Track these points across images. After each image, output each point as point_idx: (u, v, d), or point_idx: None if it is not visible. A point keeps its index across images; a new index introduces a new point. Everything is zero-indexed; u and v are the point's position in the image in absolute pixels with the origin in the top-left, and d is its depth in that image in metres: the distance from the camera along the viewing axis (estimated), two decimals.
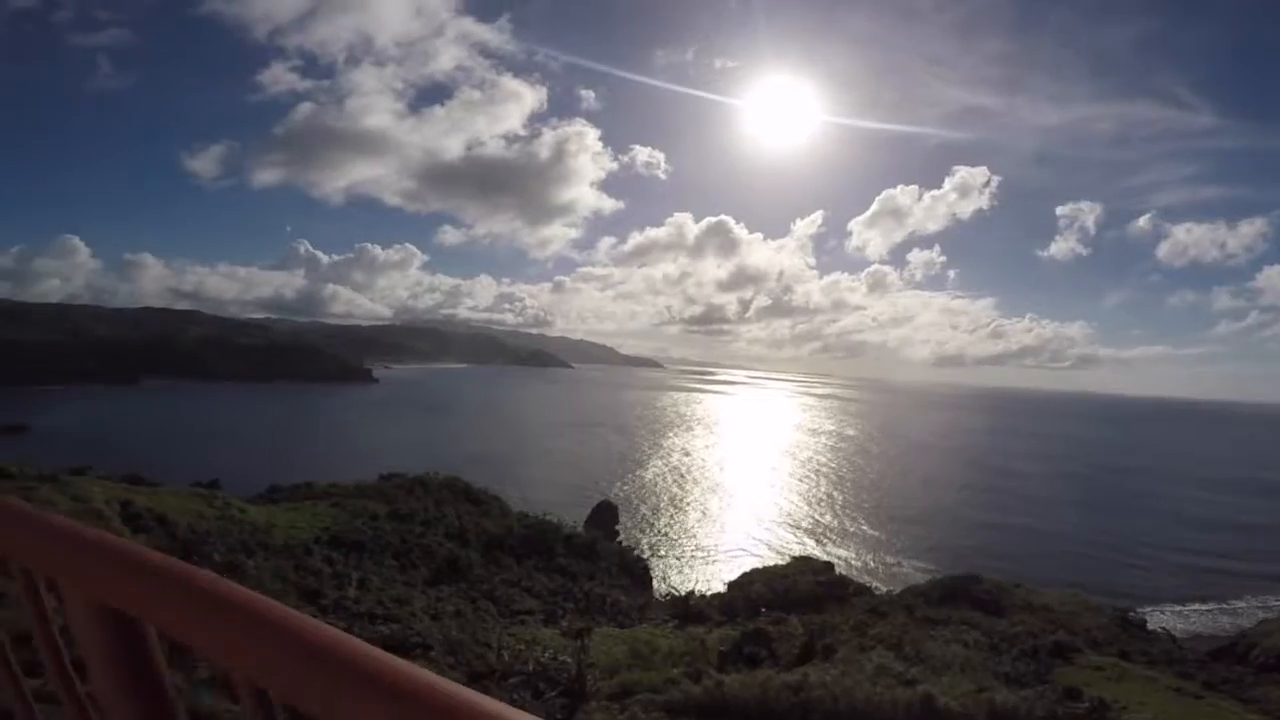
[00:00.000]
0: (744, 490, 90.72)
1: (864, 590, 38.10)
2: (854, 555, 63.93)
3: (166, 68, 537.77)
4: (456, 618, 27.72)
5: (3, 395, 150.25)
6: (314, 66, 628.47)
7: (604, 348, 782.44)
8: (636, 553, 49.43)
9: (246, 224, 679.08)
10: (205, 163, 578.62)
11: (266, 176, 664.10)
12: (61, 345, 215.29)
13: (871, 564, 61.73)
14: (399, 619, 25.93)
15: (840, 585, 37.70)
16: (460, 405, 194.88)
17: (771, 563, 47.42)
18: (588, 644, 21.50)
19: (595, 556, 42.84)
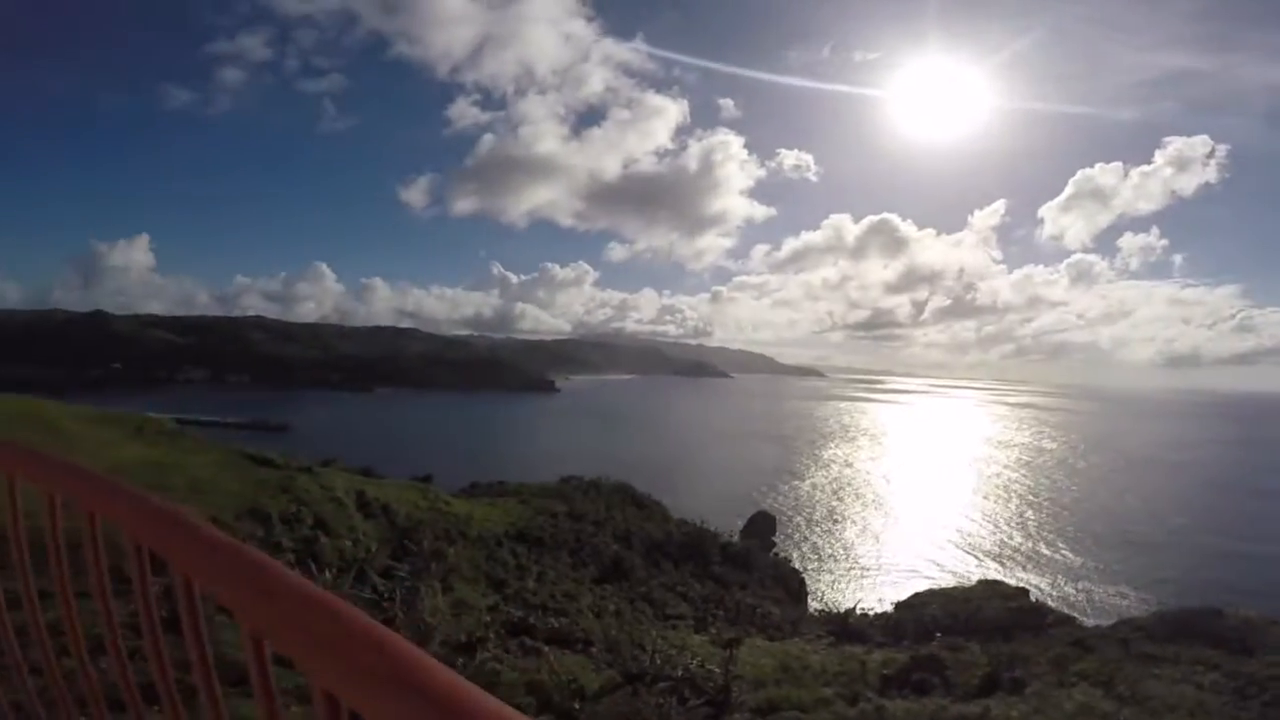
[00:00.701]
0: (914, 507, 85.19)
1: (1066, 620, 33.70)
2: (1050, 582, 57.42)
3: (376, 108, 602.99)
4: (616, 617, 28.98)
5: (274, 399, 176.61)
6: (490, 99, 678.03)
7: (762, 357, 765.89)
8: (792, 565, 48.52)
9: (450, 249, 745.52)
10: (415, 194, 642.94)
11: (463, 205, 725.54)
12: (316, 359, 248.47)
13: (1073, 593, 55.09)
14: (567, 613, 27.53)
15: (1035, 613, 33.85)
16: (628, 414, 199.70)
17: (945, 585, 44.53)
18: (736, 655, 21.54)
19: (749, 566, 42.68)
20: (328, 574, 21.32)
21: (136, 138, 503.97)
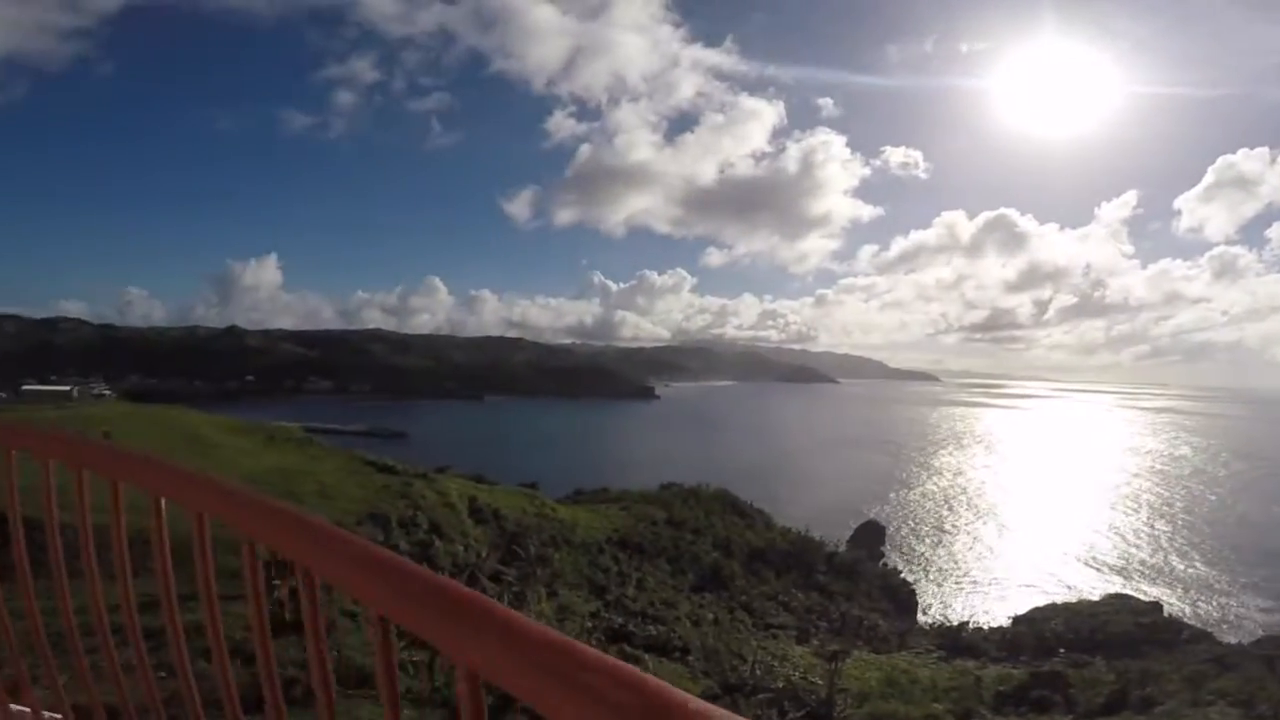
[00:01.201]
0: (1031, 517, 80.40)
1: (1202, 637, 31.78)
2: (1184, 597, 53.29)
3: (479, 124, 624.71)
4: (714, 625, 28.92)
5: (392, 407, 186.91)
6: (585, 110, 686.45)
7: (871, 361, 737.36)
8: (902, 576, 46.82)
9: (553, 259, 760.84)
10: (518, 206, 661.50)
11: (564, 215, 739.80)
12: (430, 369, 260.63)
13: (1210, 609, 50.88)
14: (665, 621, 27.75)
15: (1168, 629, 32.14)
16: (729, 421, 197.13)
17: (1065, 600, 41.55)
18: (841, 667, 20.97)
19: (856, 577, 41.49)
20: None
21: (261, 162, 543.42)
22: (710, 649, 23.55)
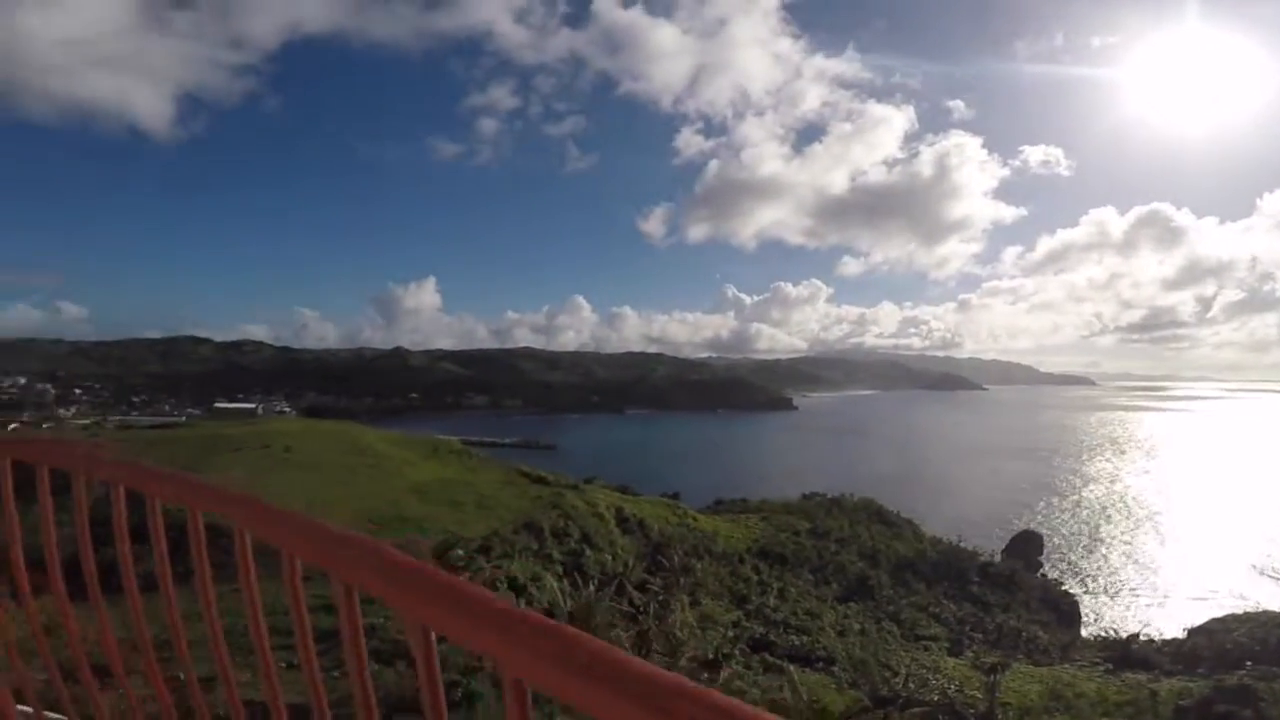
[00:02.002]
0: (1200, 526, 73.13)
1: None
2: None
3: (612, 145, 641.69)
4: (860, 636, 28.39)
5: (541, 421, 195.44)
6: (711, 126, 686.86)
7: (1021, 366, 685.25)
8: (1064, 587, 43.62)
9: (688, 274, 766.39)
10: (653, 224, 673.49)
11: (696, 231, 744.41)
12: (576, 384, 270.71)
13: None
14: (809, 631, 27.56)
15: None
16: (871, 429, 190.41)
17: (1242, 611, 37.65)
18: (1000, 680, 20.24)
19: (1013, 588, 39.27)
20: (590, 586, 23.69)
21: (417, 189, 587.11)
22: (857, 660, 23.23)
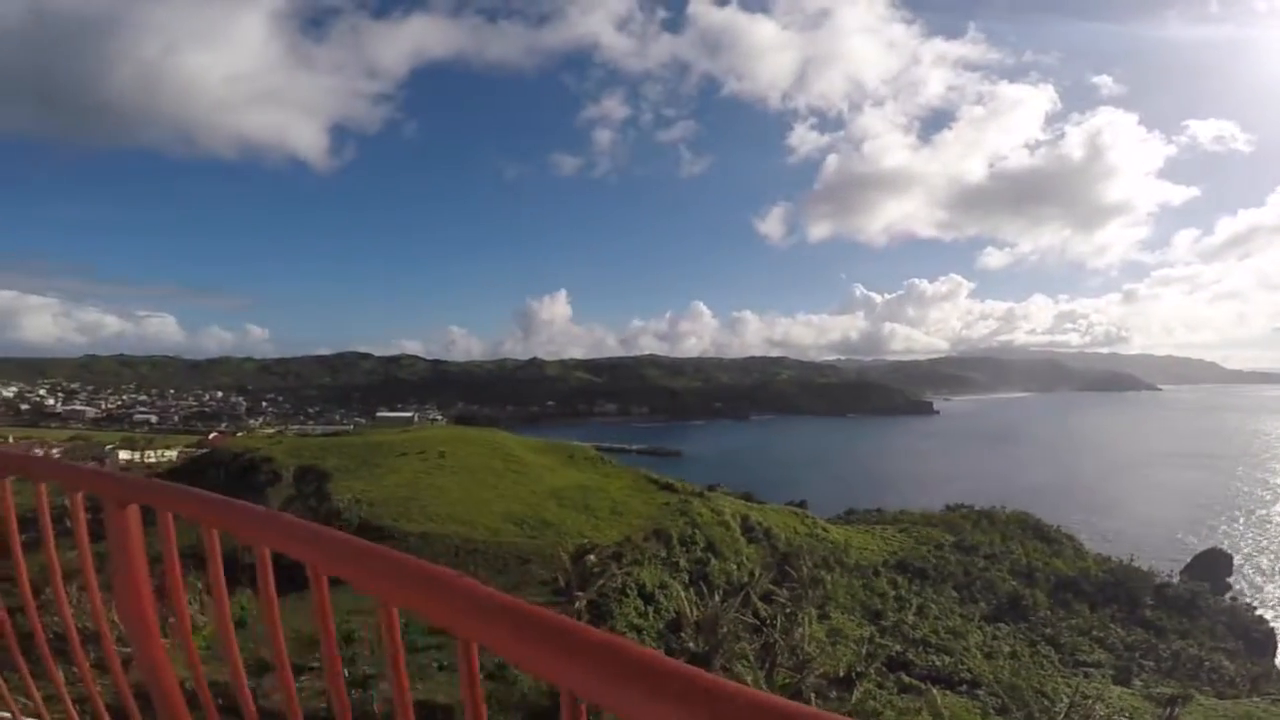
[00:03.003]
0: None
1: None
2: None
3: (723, 147, 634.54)
4: (1011, 659, 26.42)
5: (667, 428, 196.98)
6: (826, 121, 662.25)
7: (1200, 363, 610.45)
8: (1258, 613, 38.55)
9: (811, 275, 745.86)
10: (771, 225, 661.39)
11: (818, 229, 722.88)
12: (700, 390, 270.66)
13: None
14: (951, 651, 25.94)
15: None
16: (1023, 436, 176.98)
17: None
18: (1180, 713, 18.38)
19: (1194, 612, 35.23)
20: (716, 596, 23.56)
21: (543, 204, 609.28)
22: (1007, 685, 21.62)
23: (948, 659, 24.54)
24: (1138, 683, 23.70)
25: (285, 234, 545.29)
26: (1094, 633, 32.50)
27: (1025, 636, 30.76)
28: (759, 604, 27.54)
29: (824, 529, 50.60)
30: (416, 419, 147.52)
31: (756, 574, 33.32)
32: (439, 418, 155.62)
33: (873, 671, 20.23)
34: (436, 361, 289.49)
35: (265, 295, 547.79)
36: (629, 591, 29.56)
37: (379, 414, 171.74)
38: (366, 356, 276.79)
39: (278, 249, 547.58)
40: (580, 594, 27.73)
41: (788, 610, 25.91)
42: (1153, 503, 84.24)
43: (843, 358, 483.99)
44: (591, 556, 29.73)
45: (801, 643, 19.16)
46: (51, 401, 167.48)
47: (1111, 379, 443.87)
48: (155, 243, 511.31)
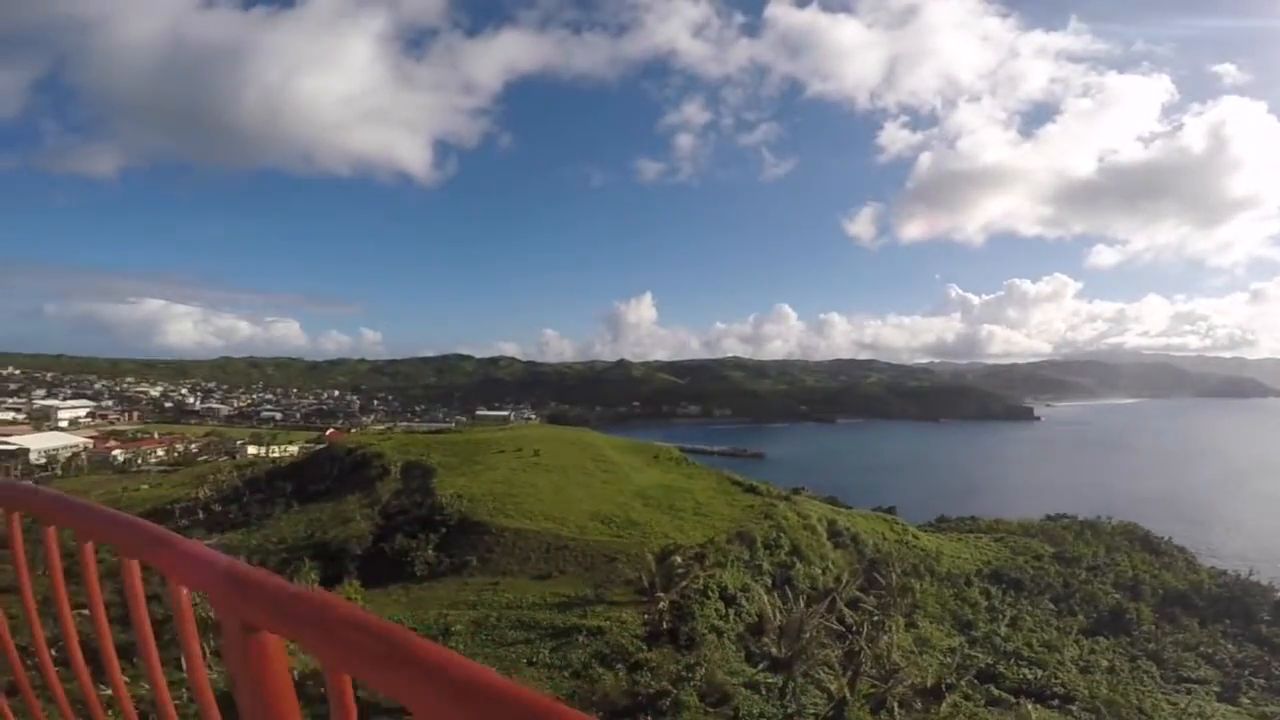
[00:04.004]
0: None
1: None
2: None
3: (808, 148, 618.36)
4: (1109, 674, 25.00)
5: (749, 430, 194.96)
6: (918, 118, 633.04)
7: None
8: None
9: (903, 276, 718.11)
10: (861, 225, 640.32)
11: (910, 229, 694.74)
12: (784, 392, 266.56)
13: None
14: (1044, 664, 24.78)
15: None
16: (1134, 444, 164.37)
17: None
18: None
19: None
20: (800, 601, 23.33)
21: (629, 210, 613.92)
22: (1104, 699, 20.53)
23: (1040, 672, 23.43)
24: (1246, 700, 22.02)
25: (395, 244, 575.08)
26: (1201, 648, 30.38)
27: (1125, 651, 29.05)
28: (845, 610, 27.07)
29: (914, 536, 49.14)
30: (512, 418, 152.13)
31: (843, 580, 32.74)
32: (532, 417, 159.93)
33: (963, 683, 19.56)
34: (531, 363, 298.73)
35: (378, 301, 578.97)
36: (710, 593, 29.68)
37: (478, 413, 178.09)
38: (467, 358, 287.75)
39: (389, 258, 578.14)
40: (663, 594, 28.04)
41: (874, 618, 25.39)
42: (1275, 516, 76.99)
43: (936, 361, 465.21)
44: (677, 557, 29.99)
45: (888, 651, 18.75)
46: (191, 400, 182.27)
47: (1234, 384, 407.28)
48: (281, 255, 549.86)
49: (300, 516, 44.07)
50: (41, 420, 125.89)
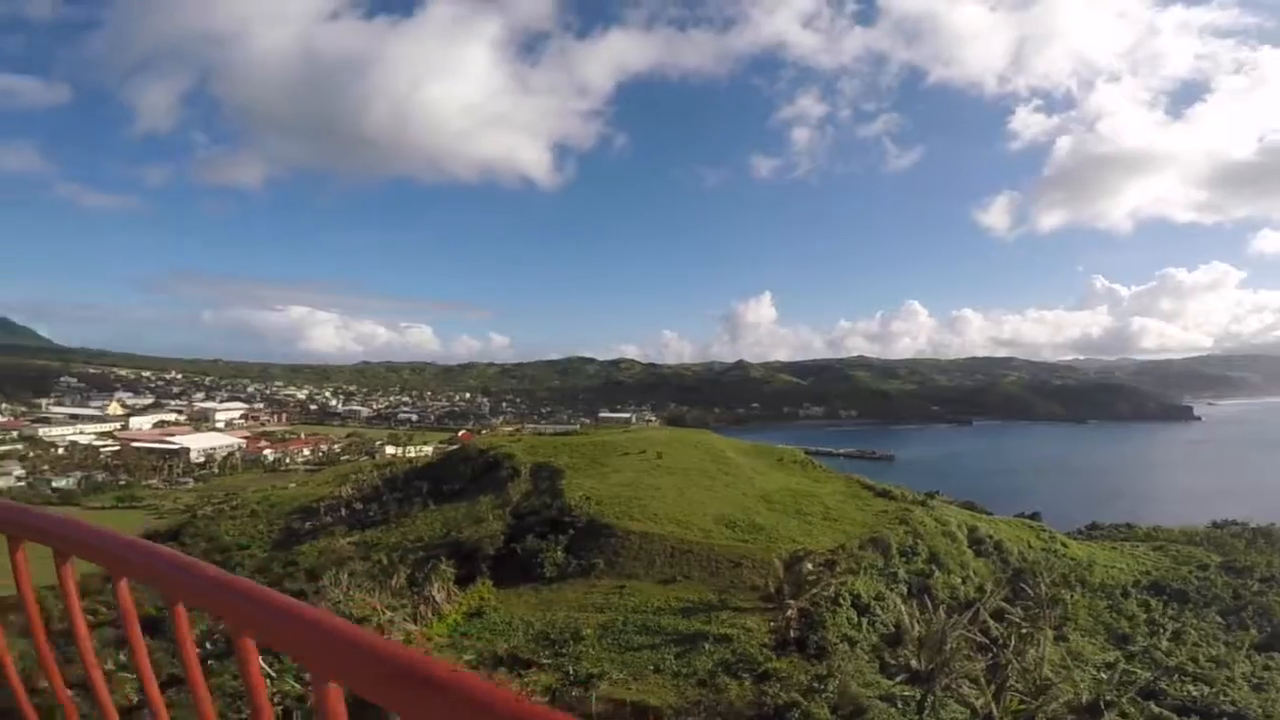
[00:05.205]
0: None
1: None
2: None
3: (933, 137, 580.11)
4: None
5: (878, 432, 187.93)
6: (1052, 101, 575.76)
7: None
8: None
9: (1042, 268, 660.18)
10: (994, 216, 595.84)
11: (1050, 218, 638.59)
12: (913, 393, 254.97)
13: None
14: (1211, 681, 22.90)
15: None
16: None
17: None
18: None
19: None
20: (940, 610, 22.63)
21: (745, 208, 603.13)
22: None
23: (1207, 689, 21.67)
24: None
25: (520, 248, 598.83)
26: None
27: None
28: (989, 621, 26.01)
29: (1062, 544, 46.56)
30: (634, 420, 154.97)
31: (987, 589, 31.46)
32: (653, 419, 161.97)
33: (1123, 701, 18.40)
34: (651, 364, 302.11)
35: (505, 305, 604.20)
36: (842, 600, 29.33)
37: (600, 414, 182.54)
38: (590, 360, 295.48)
39: (514, 262, 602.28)
40: (792, 602, 27.90)
41: (1022, 630, 24.26)
42: None
43: (1081, 357, 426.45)
44: (806, 563, 29.80)
45: (1037, 666, 17.93)
46: (334, 402, 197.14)
47: None
48: (414, 261, 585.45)
49: (436, 515, 47.42)
50: (201, 421, 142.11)
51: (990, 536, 42.77)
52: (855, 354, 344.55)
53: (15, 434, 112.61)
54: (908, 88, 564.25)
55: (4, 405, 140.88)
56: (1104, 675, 20.58)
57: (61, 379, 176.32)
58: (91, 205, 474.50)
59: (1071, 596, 33.89)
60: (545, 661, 25.23)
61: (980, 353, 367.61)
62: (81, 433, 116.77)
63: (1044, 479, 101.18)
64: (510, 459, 54.34)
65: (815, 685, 22.00)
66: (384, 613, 27.42)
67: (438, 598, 30.83)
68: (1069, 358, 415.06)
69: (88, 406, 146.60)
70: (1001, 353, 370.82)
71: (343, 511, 53.43)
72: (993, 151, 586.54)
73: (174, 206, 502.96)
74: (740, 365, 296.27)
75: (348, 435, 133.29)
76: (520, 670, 24.68)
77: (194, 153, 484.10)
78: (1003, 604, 29.79)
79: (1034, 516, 56.28)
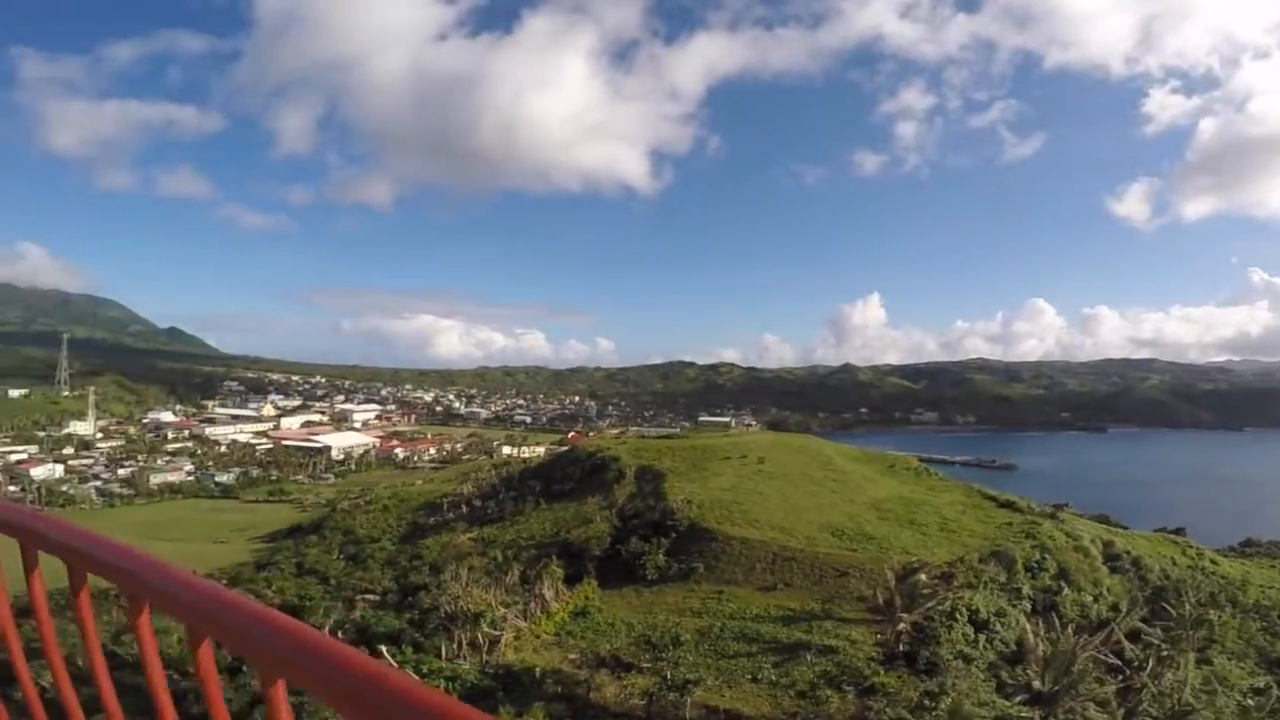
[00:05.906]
0: None
1: None
2: None
3: (1056, 124, 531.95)
4: None
5: (995, 438, 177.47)
6: (1191, 81, 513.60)
7: None
8: None
9: (1187, 261, 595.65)
10: (1130, 204, 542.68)
11: (1196, 207, 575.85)
12: (1039, 398, 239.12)
13: None
14: None
15: None
16: None
17: None
18: None
19: None
20: (1069, 629, 21.31)
21: (849, 206, 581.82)
22: None
23: None
24: None
25: (623, 254, 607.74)
26: None
27: None
28: (1124, 642, 24.28)
29: (1211, 561, 42.88)
30: (734, 424, 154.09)
31: (1122, 608, 29.35)
32: (753, 423, 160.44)
33: None
34: (751, 369, 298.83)
35: (611, 310, 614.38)
36: (959, 616, 28.13)
37: (701, 418, 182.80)
38: (690, 365, 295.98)
39: (618, 268, 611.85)
40: (904, 615, 26.96)
41: (1161, 652, 22.51)
42: None
43: (1236, 358, 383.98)
44: (921, 575, 28.76)
45: (1176, 690, 16.61)
46: (458, 405, 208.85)
47: None
48: (527, 270, 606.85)
49: (547, 515, 49.14)
50: (341, 421, 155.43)
51: (1128, 552, 39.80)
52: (974, 356, 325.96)
53: (187, 433, 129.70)
54: (1022, 74, 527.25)
55: (178, 407, 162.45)
56: (1251, 701, 18.77)
57: (224, 383, 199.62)
58: (248, 225, 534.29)
59: (1219, 617, 31.06)
60: (645, 665, 25.69)
61: (1116, 354, 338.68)
62: (241, 431, 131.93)
63: (1190, 491, 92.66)
64: (616, 461, 55.58)
65: (925, 702, 21.30)
66: (497, 609, 28.85)
67: (547, 595, 32.10)
68: (1221, 359, 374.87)
69: (246, 407, 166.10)
70: (1141, 354, 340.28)
71: (463, 508, 56.51)
72: (1125, 136, 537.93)
73: (314, 224, 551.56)
74: (846, 368, 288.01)
75: (469, 435, 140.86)
76: (621, 673, 25.24)
77: (329, 173, 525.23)
78: (1139, 624, 27.68)
79: (1178, 531, 52.14)
